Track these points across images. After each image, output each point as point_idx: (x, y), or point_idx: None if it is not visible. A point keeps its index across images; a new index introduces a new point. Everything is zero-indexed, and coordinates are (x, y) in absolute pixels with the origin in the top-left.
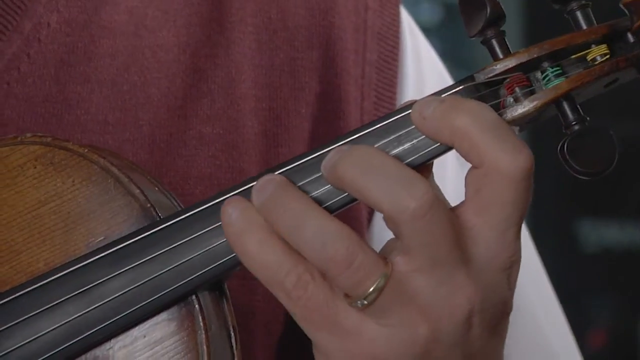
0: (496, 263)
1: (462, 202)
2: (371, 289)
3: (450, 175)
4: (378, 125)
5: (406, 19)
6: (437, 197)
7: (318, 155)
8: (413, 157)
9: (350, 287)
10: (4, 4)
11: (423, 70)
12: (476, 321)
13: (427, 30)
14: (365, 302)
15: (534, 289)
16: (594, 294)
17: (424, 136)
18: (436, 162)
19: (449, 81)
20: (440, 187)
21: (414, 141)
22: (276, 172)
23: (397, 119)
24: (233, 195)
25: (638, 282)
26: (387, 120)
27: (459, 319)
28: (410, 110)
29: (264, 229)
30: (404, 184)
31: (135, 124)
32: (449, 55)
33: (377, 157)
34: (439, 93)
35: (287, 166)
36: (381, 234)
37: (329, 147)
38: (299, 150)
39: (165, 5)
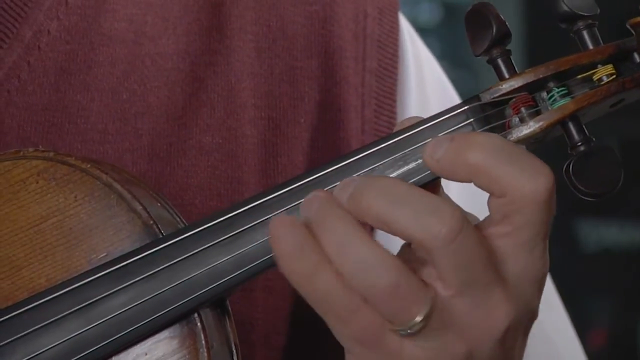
0: (527, 277)
1: (487, 223)
2: (417, 319)
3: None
4: (382, 145)
5: (405, 25)
6: (466, 217)
7: (321, 175)
8: (420, 176)
9: (393, 316)
10: (4, 10)
11: (424, 77)
12: (511, 335)
13: (427, 30)
14: (410, 331)
15: (547, 310)
16: (594, 294)
17: None
18: None
19: (450, 89)
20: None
21: (420, 160)
22: (278, 192)
23: (401, 138)
24: (278, 214)
25: (638, 282)
26: (391, 139)
27: (497, 336)
28: (413, 130)
29: (315, 253)
30: (431, 211)
31: (135, 133)
32: (448, 55)
33: (399, 186)
34: (444, 113)
35: (288, 186)
36: (386, 238)
37: (331, 167)
38: (299, 160)
39: (165, 12)
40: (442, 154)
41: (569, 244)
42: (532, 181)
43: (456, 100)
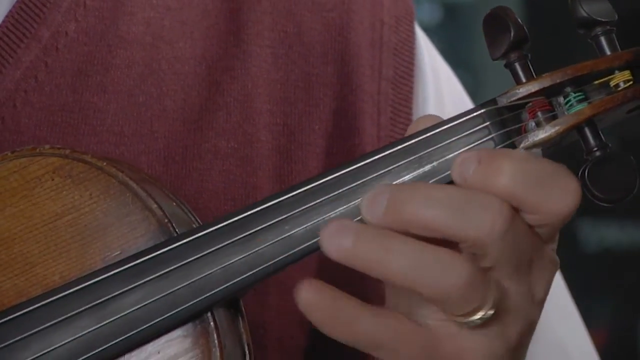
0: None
1: None
2: (487, 311)
3: None
4: (398, 147)
5: (422, 36)
6: (511, 205)
7: (336, 176)
8: (436, 179)
9: (468, 310)
10: (22, 10)
11: (442, 88)
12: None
13: (427, 31)
14: (480, 321)
15: (557, 310)
16: (594, 294)
17: (444, 158)
18: None
19: (467, 100)
20: None
21: (434, 163)
22: (294, 192)
23: (416, 141)
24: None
25: (638, 282)
26: (407, 142)
27: (539, 302)
28: (429, 133)
29: (348, 309)
30: (480, 207)
31: (151, 136)
32: (448, 55)
33: (438, 189)
34: (461, 116)
35: (304, 186)
36: None
37: (346, 168)
38: (313, 166)
39: (183, 16)
40: (469, 176)
41: (569, 244)
42: (560, 203)
43: None
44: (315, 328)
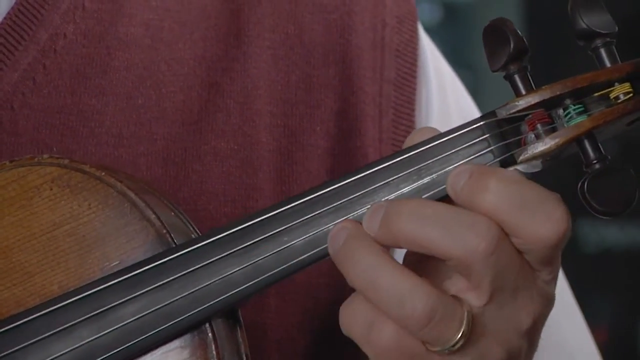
0: (544, 279)
1: None
2: (457, 337)
3: None
4: (398, 159)
5: (424, 36)
6: (501, 228)
7: (336, 187)
8: (435, 190)
9: (434, 339)
10: (20, 12)
11: (446, 90)
12: (534, 326)
13: (427, 31)
14: (452, 349)
15: (560, 309)
16: (594, 294)
17: (443, 170)
18: None
19: (470, 101)
20: None
21: (434, 175)
22: (294, 203)
23: (415, 153)
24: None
25: (638, 282)
26: (406, 153)
27: (524, 332)
28: (429, 144)
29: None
30: (466, 226)
31: (150, 138)
32: (449, 55)
33: (428, 206)
34: (460, 128)
35: (304, 197)
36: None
37: (346, 180)
38: (314, 167)
39: (182, 17)
40: (459, 189)
41: (569, 244)
42: (543, 228)
43: (477, 114)
44: (314, 331)
